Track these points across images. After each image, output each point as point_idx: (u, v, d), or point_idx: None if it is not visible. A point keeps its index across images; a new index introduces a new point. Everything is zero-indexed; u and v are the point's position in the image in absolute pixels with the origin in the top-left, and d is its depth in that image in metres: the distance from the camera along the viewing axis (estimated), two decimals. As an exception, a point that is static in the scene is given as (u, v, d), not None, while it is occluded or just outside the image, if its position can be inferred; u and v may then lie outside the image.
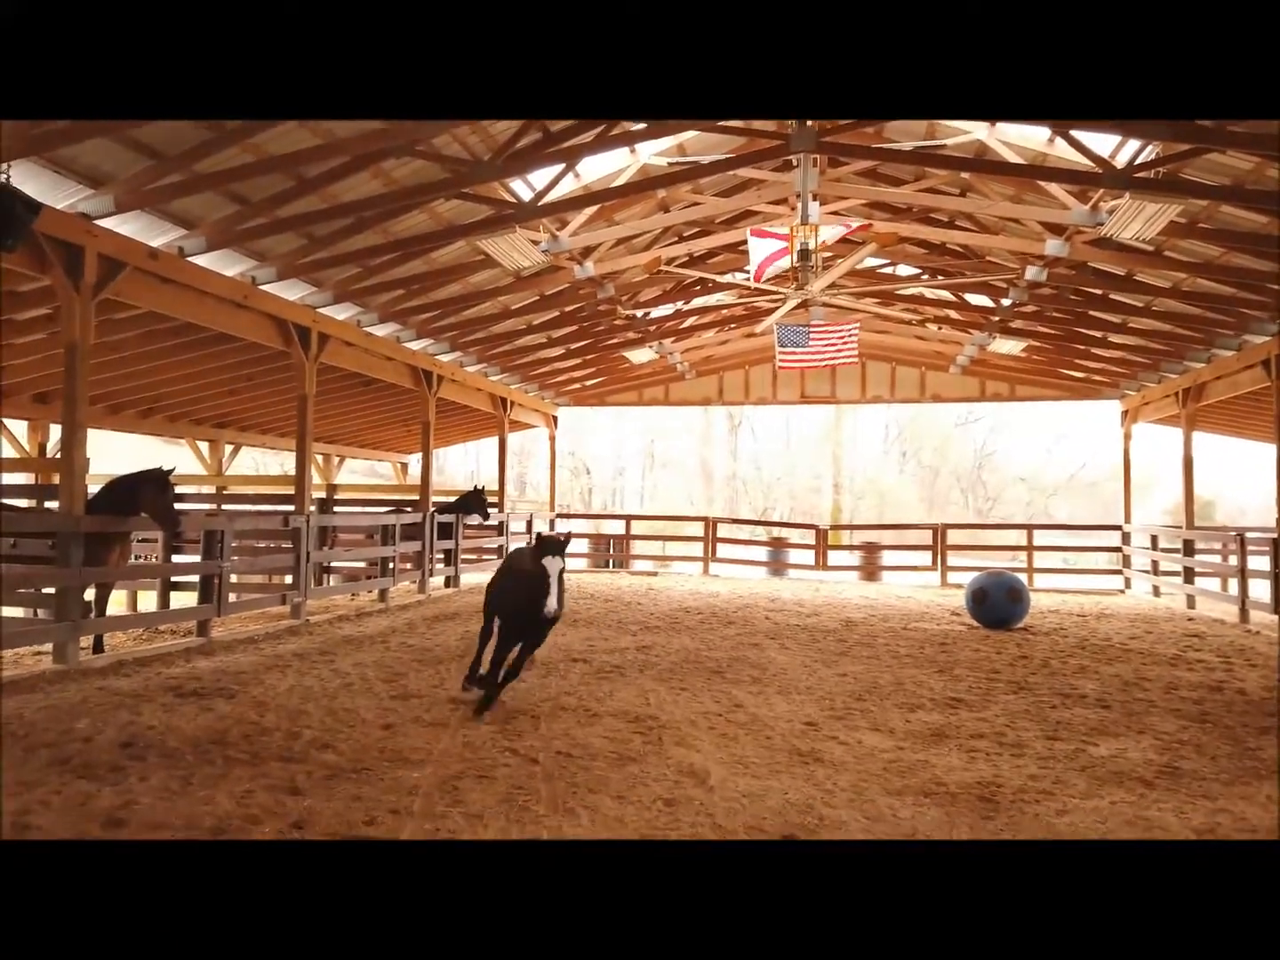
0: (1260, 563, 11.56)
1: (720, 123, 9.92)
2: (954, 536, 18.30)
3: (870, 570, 18.45)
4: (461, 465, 39.72)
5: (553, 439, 20.62)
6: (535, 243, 10.88)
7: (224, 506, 13.06)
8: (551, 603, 5.28)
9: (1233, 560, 12.42)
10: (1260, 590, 11.60)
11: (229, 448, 17.07)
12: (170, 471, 8.18)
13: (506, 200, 10.45)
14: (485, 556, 16.71)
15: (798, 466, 39.90)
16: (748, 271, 11.37)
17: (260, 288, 10.17)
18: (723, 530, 19.98)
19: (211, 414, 15.96)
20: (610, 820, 4.02)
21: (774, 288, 11.37)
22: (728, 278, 13.36)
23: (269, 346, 10.82)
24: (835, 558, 18.92)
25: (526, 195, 10.56)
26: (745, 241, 10.94)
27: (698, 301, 16.01)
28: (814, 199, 10.59)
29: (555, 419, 20.41)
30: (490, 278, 12.84)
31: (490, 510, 15.41)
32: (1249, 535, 12.28)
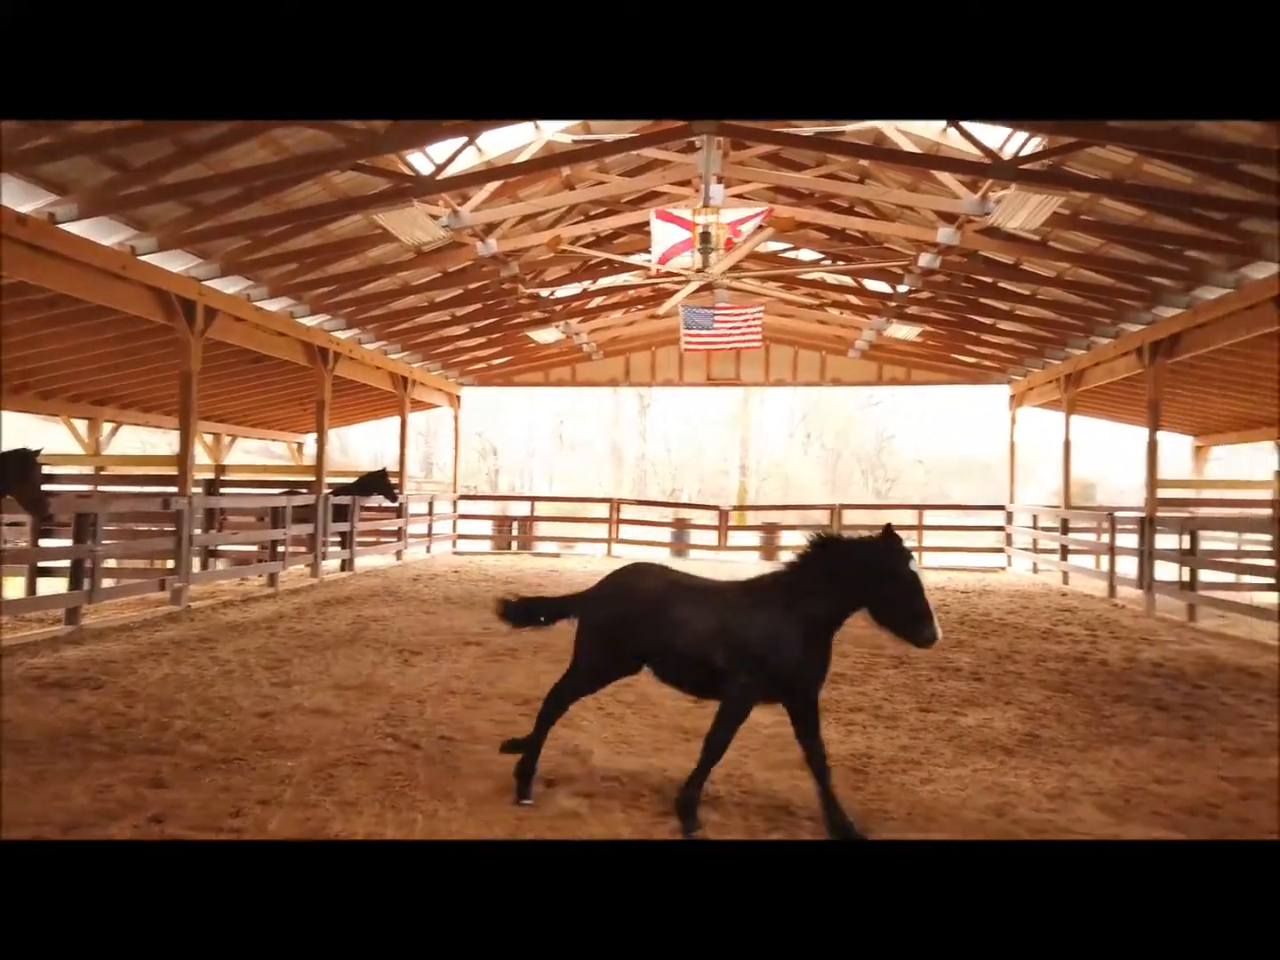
0: (1129, 540, 12.22)
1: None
2: (851, 517, 18.78)
3: (770, 550, 18.80)
4: (366, 445, 38.82)
5: (456, 419, 20.30)
6: (435, 218, 10.64)
7: (102, 488, 12.45)
8: (936, 627, 3.69)
9: (1105, 538, 13.09)
10: (1128, 567, 12.27)
11: (109, 426, 16.25)
12: (37, 452, 7.75)
13: (404, 173, 10.18)
14: (384, 539, 16.38)
15: (706, 449, 40.33)
16: (651, 254, 11.37)
17: (140, 258, 9.68)
18: (628, 511, 20.06)
19: (90, 390, 15.14)
20: (488, 804, 4.00)
21: (677, 269, 11.39)
22: (634, 258, 13.34)
23: (150, 320, 10.33)
24: (737, 538, 19.22)
25: (425, 168, 10.30)
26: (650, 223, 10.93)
27: (604, 281, 15.94)
28: (717, 181, 10.63)
29: (459, 399, 20.10)
30: (389, 253, 12.50)
31: (395, 491, 15.15)
32: (1118, 515, 12.96)
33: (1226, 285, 10.10)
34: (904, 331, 15.86)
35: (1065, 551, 14.73)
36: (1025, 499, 19.20)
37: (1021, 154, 9.10)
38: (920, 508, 18.87)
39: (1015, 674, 7.23)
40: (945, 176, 10.29)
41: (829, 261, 14.88)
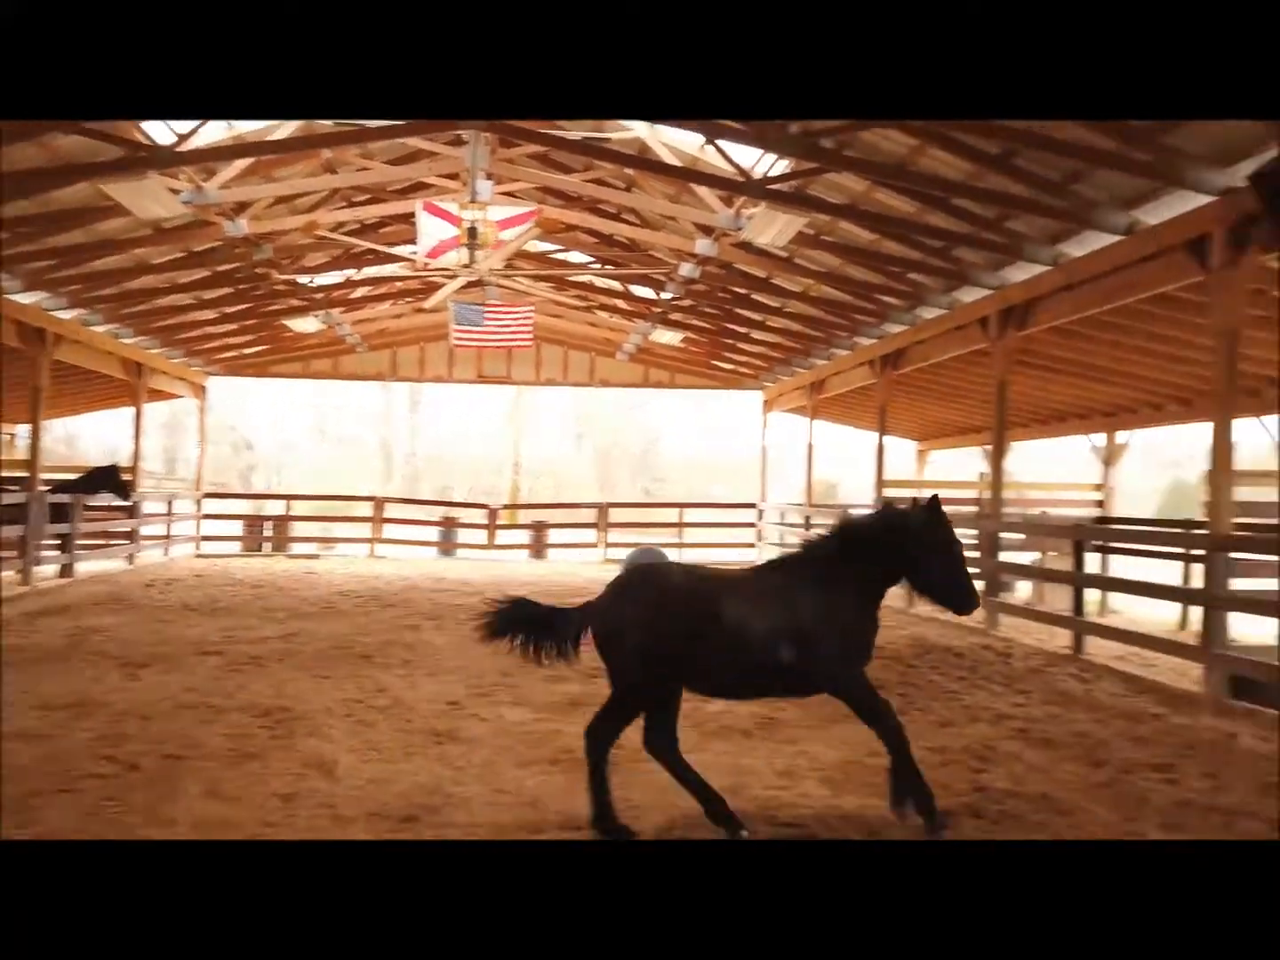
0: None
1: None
2: (619, 515, 19.29)
3: (538, 548, 18.92)
4: (99, 438, 35.03)
5: (202, 410, 18.80)
6: (175, 192, 9.79)
7: None
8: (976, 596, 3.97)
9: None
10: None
11: None
12: None
13: (140, 141, 9.27)
14: (114, 541, 14.87)
15: (479, 447, 39.91)
16: (418, 246, 11.09)
17: None
18: (393, 510, 19.47)
19: None
20: (215, 823, 3.74)
21: (444, 266, 11.20)
22: (401, 249, 12.94)
23: None
24: (506, 536, 19.18)
25: (165, 138, 9.43)
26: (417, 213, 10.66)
27: (369, 271, 15.34)
28: (487, 178, 10.55)
29: (204, 389, 18.61)
30: (122, 227, 11.35)
31: (127, 489, 13.81)
32: (851, 510, 14.14)
33: (942, 306, 11.31)
34: (667, 337, 16.47)
35: (809, 546, 15.90)
36: (778, 497, 20.51)
37: (770, 174, 9.72)
38: (681, 506, 19.71)
39: (759, 662, 7.72)
40: (703, 190, 10.80)
41: (597, 265, 15.17)
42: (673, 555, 15.62)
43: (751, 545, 18.92)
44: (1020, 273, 9.61)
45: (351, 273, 15.44)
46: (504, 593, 4.07)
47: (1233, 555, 6.90)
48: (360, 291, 16.27)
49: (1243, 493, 16.24)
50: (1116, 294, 8.20)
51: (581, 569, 16.41)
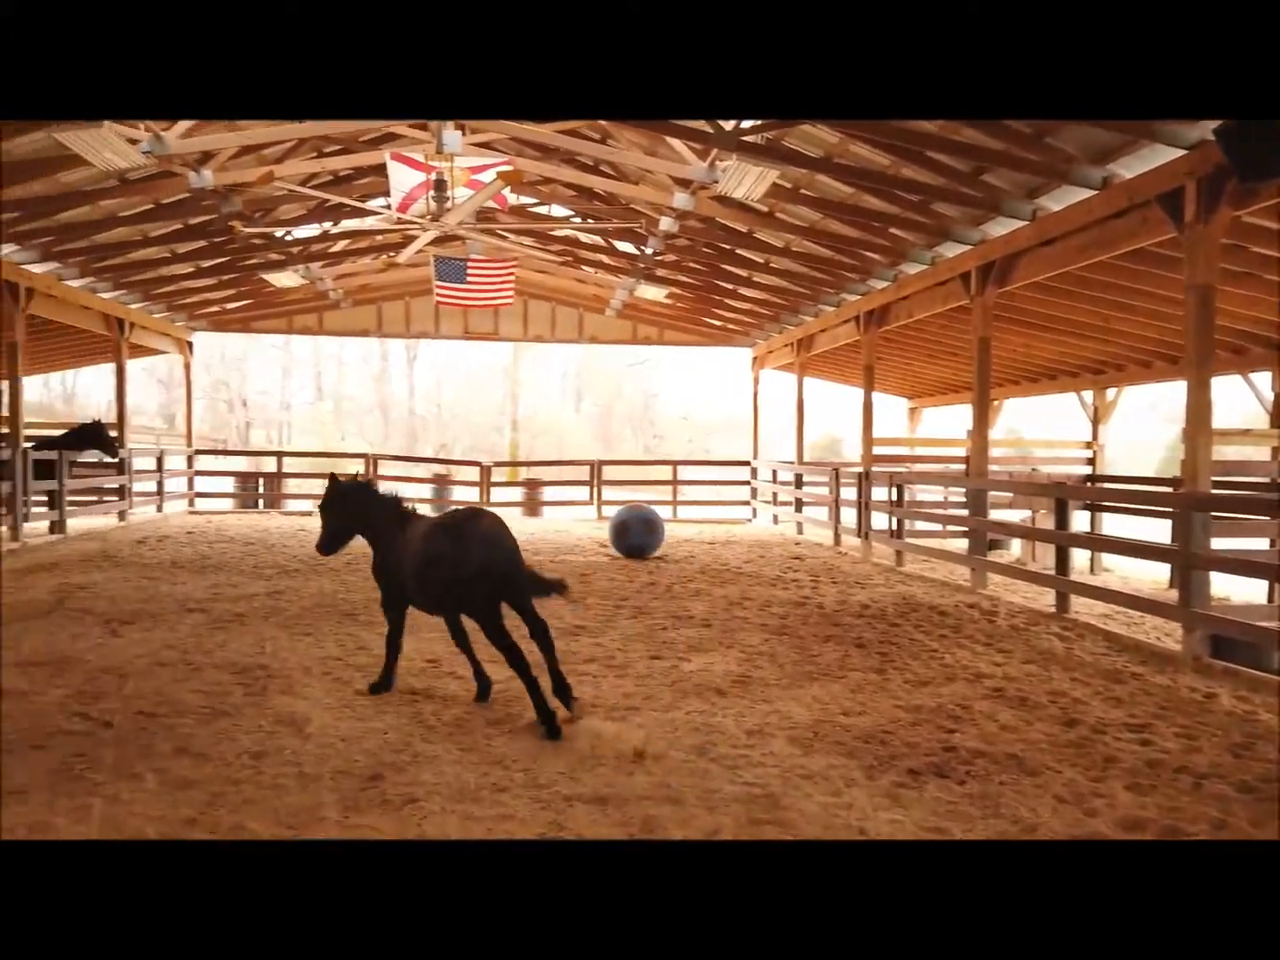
0: (851, 493, 13.35)
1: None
2: (616, 472, 19.25)
3: (532, 505, 18.93)
4: (101, 393, 34.82)
5: (188, 366, 18.65)
6: (134, 142, 9.53)
7: None
8: None
9: (830, 491, 14.21)
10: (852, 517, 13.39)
11: None
12: None
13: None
14: (107, 498, 14.87)
15: (477, 404, 39.78)
16: (390, 198, 10.89)
17: None
18: (390, 468, 19.44)
19: None
20: (179, 781, 3.77)
21: (413, 219, 11.00)
22: (375, 202, 12.69)
23: None
24: (501, 494, 19.18)
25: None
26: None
27: (348, 224, 15.08)
28: (455, 128, 10.30)
29: (190, 345, 18.44)
30: (86, 178, 11.05)
31: (113, 445, 13.78)
32: (843, 469, 14.11)
33: (924, 262, 11.14)
34: (652, 292, 16.24)
35: (800, 504, 15.91)
36: (779, 454, 20.40)
37: (742, 125, 9.39)
38: (674, 464, 19.68)
39: (741, 619, 7.74)
40: (676, 143, 10.50)
41: (578, 219, 14.93)
42: (666, 513, 15.75)
43: (746, 503, 18.96)
44: (999, 228, 9.44)
45: (328, 226, 15.17)
46: None
47: (1212, 514, 6.80)
48: (339, 245, 16.02)
49: (1229, 452, 16.25)
50: (1093, 250, 8.06)
51: (575, 527, 16.45)
